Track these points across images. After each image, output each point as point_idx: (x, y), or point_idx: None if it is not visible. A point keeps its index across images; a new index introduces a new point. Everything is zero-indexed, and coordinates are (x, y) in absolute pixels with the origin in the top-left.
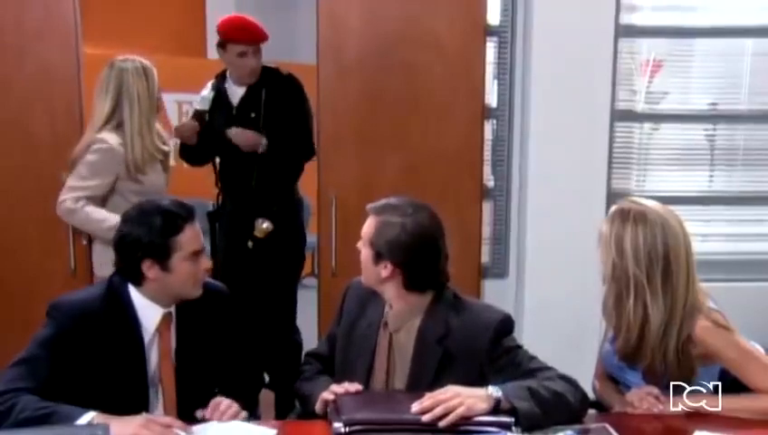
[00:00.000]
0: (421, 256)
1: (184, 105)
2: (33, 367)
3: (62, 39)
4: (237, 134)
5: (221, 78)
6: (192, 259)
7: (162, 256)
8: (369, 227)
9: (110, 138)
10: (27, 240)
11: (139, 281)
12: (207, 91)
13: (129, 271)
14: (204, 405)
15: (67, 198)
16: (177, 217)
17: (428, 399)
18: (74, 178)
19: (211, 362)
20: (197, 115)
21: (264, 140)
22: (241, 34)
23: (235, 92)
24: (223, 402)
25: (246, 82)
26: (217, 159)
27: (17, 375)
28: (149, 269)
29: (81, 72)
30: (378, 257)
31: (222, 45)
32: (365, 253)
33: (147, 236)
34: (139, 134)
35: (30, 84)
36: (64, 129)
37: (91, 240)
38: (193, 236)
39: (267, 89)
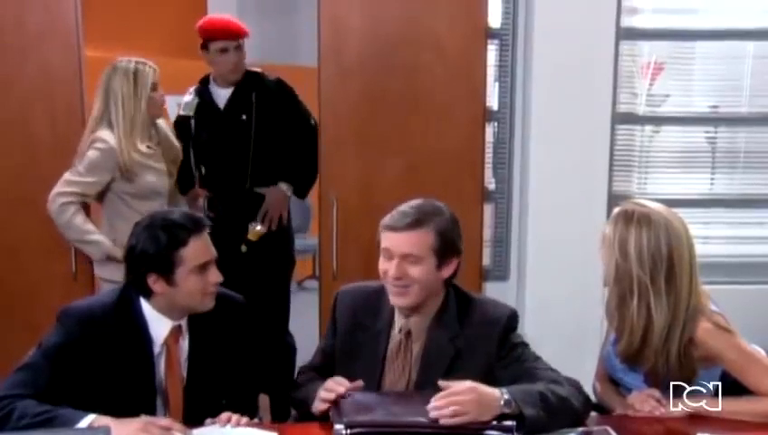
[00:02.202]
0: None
1: None
2: (33, 375)
3: (63, 40)
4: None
5: (203, 83)
6: (198, 272)
7: (166, 271)
8: (419, 238)
9: (108, 136)
10: (28, 241)
11: (147, 294)
12: (191, 97)
13: (136, 284)
14: (210, 416)
15: (63, 196)
16: (182, 229)
17: (443, 399)
18: (72, 173)
19: (223, 372)
20: (181, 121)
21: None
22: (220, 31)
23: (220, 95)
24: (233, 417)
25: (231, 81)
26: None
27: (17, 382)
28: (155, 283)
29: (83, 73)
30: (442, 260)
31: (204, 46)
32: (422, 268)
33: (150, 250)
34: (124, 135)
35: (31, 85)
36: (65, 130)
37: None
38: (199, 249)
39: (257, 93)
